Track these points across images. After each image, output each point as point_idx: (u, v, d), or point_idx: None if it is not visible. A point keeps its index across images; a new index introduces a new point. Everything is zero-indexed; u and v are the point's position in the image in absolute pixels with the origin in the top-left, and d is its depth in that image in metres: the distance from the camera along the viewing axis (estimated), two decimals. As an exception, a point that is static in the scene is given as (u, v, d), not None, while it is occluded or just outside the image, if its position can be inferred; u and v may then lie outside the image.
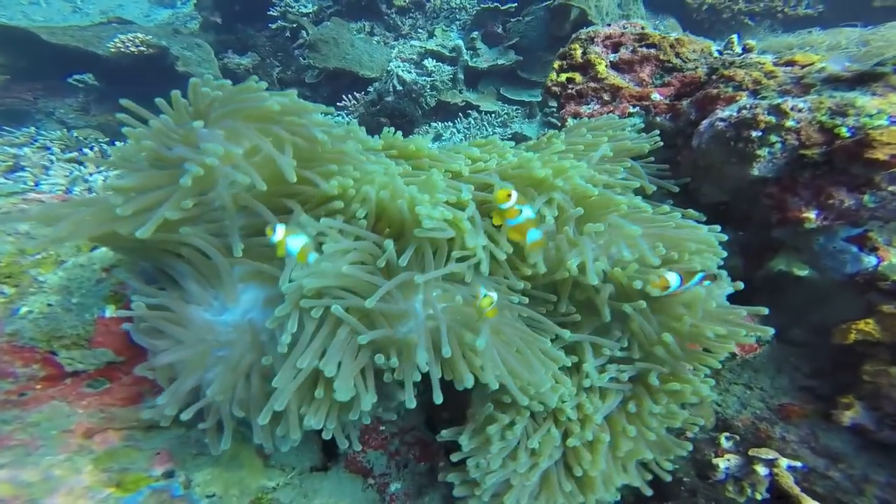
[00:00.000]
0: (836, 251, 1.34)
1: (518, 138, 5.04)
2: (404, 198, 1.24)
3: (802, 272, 1.53)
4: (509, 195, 1.29)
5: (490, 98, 5.35)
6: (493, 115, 5.13)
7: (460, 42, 5.31)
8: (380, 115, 4.79)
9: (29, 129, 4.11)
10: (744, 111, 1.42)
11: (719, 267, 1.44)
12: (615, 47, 2.43)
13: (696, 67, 2.14)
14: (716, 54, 2.17)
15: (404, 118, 4.79)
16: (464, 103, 5.17)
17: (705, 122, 1.71)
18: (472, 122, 5.06)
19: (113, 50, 4.91)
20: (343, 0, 5.84)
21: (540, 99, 5.34)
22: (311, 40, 5.20)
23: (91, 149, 3.77)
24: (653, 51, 2.30)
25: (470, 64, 5.29)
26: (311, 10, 5.76)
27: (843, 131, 1.23)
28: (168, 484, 1.28)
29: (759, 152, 1.39)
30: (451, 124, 4.99)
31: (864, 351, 1.32)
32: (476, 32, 5.57)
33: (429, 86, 4.83)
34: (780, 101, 1.36)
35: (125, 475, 1.24)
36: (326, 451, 1.57)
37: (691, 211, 1.64)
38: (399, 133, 1.71)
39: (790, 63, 1.65)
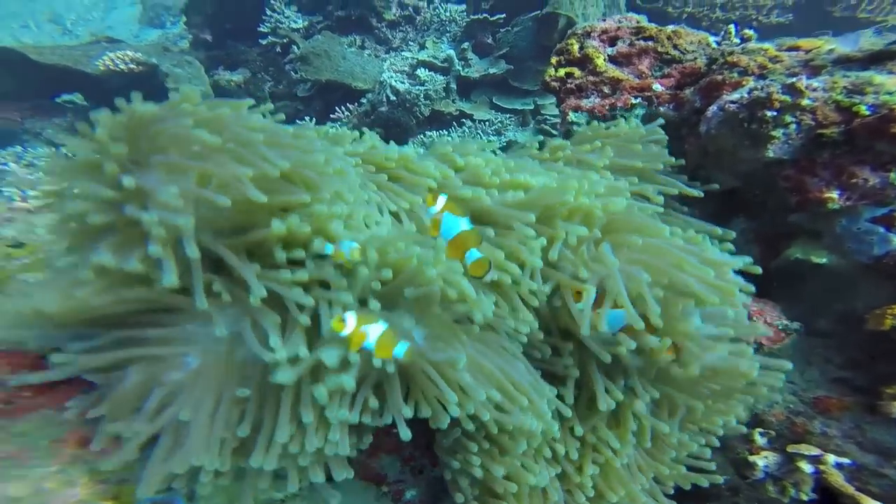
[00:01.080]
0: (860, 233, 1.29)
1: (512, 145, 5.04)
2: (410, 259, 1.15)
3: (821, 259, 1.48)
4: (436, 198, 1.15)
5: (483, 107, 5.35)
6: (486, 123, 5.13)
7: (452, 52, 5.34)
8: (374, 125, 4.76)
9: (15, 147, 4.04)
10: (756, 91, 1.39)
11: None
12: (612, 41, 2.42)
13: (696, 58, 2.12)
14: (714, 45, 2.16)
15: (399, 127, 4.77)
16: (457, 112, 5.17)
17: (713, 107, 1.68)
18: (467, 130, 5.05)
19: (102, 68, 4.89)
20: (333, 15, 5.87)
21: (532, 107, 5.36)
22: (303, 53, 5.20)
23: None
24: (650, 43, 2.29)
25: (462, 74, 5.31)
26: (301, 26, 5.78)
27: (863, 109, 1.20)
28: (170, 497, 1.17)
29: (774, 133, 1.35)
30: (446, 133, 4.98)
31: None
32: (467, 43, 5.60)
33: (422, 95, 4.83)
34: (793, 80, 1.33)
35: (123, 487, 1.14)
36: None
37: (727, 235, 1.54)
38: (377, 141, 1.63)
39: (794, 48, 1.63)
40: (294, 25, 5.66)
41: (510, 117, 5.29)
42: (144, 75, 5.11)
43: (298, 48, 5.61)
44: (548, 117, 5.36)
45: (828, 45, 1.48)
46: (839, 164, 1.27)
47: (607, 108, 2.25)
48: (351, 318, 0.97)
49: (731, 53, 1.78)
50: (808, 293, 1.52)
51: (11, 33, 9.81)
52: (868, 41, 1.31)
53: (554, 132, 5.27)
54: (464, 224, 1.14)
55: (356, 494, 1.49)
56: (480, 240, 1.19)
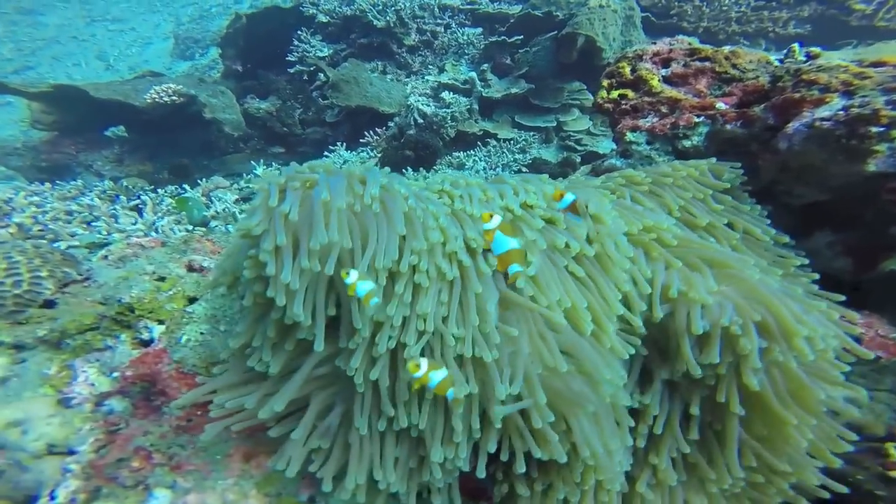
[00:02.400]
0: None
1: (537, 163, 5.09)
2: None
3: (922, 269, 1.49)
4: (491, 216, 1.28)
5: (506, 126, 5.43)
6: (511, 142, 5.20)
7: (473, 74, 5.44)
8: (403, 148, 4.83)
9: (77, 181, 4.17)
10: (855, 109, 1.41)
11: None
12: (665, 63, 2.46)
13: (758, 77, 2.15)
14: (776, 63, 2.20)
15: (427, 150, 4.83)
16: (482, 132, 5.24)
17: (796, 124, 1.70)
18: (492, 149, 5.11)
19: (149, 101, 5.09)
20: (356, 42, 6.02)
21: (554, 124, 5.44)
22: (334, 81, 5.32)
23: (141, 196, 3.84)
24: (707, 63, 2.33)
25: (484, 94, 5.40)
26: (327, 54, 5.92)
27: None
28: None
29: (877, 148, 1.37)
30: (473, 153, 5.04)
31: None
32: (486, 65, 5.72)
33: (449, 117, 4.90)
34: (896, 95, 1.36)
35: (280, 500, 1.21)
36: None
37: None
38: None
39: (879, 63, 1.66)
40: (320, 54, 5.80)
41: (533, 135, 5.36)
42: (184, 105, 5.33)
43: (325, 76, 5.75)
44: (570, 133, 5.43)
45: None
46: (951, 177, 1.28)
47: (668, 126, 2.28)
48: (424, 364, 1.18)
49: (804, 71, 1.81)
50: (912, 304, 1.51)
51: (65, 71, 10.42)
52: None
53: (578, 148, 5.33)
54: (513, 243, 1.26)
55: None
56: (524, 258, 1.31)
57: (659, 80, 2.41)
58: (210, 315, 1.44)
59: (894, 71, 1.50)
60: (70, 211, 3.23)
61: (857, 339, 1.50)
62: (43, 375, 1.40)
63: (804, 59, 2.02)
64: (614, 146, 2.70)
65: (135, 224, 3.14)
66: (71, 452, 1.30)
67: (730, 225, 1.75)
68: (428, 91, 5.51)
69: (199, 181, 4.60)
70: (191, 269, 1.72)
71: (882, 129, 1.35)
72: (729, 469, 1.32)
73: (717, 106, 2.16)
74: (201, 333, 1.41)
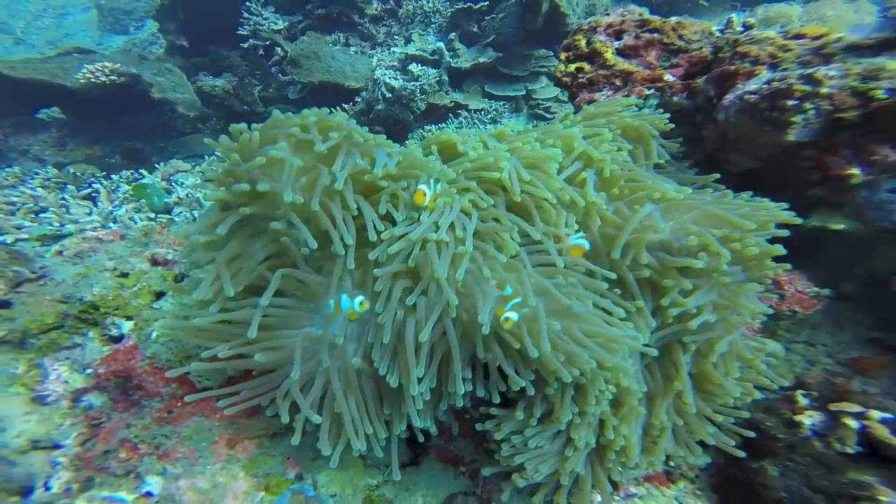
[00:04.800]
0: (881, 202, 1.45)
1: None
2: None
3: (839, 226, 1.65)
4: (425, 194, 1.33)
5: (476, 96, 5.43)
6: (482, 112, 5.21)
7: (441, 44, 5.37)
8: (373, 124, 4.80)
9: (13, 168, 3.98)
10: (775, 83, 1.53)
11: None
12: (618, 35, 2.52)
13: (701, 48, 2.24)
14: (717, 34, 2.29)
15: (398, 124, 4.82)
16: (452, 104, 5.23)
17: (730, 97, 1.82)
18: (463, 121, 5.12)
19: (83, 81, 4.75)
20: (313, 13, 5.82)
21: (524, 93, 5.46)
22: (292, 56, 5.17)
23: (93, 184, 3.69)
24: (656, 35, 2.41)
25: (453, 65, 5.36)
26: (282, 27, 5.72)
27: (880, 93, 1.34)
28: (301, 486, 1.36)
29: (794, 119, 1.50)
30: (444, 125, 5.05)
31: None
32: (453, 34, 5.64)
33: (418, 90, 4.87)
34: (811, 70, 1.47)
35: (269, 479, 1.35)
36: (412, 447, 1.63)
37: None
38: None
39: (800, 35, 1.76)
40: (275, 27, 5.60)
41: (504, 104, 5.38)
42: (126, 84, 5.01)
43: (283, 50, 5.57)
44: (540, 101, 5.46)
45: (835, 34, 1.61)
46: (860, 143, 1.42)
47: (621, 98, 2.37)
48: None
49: (739, 43, 1.91)
50: (829, 259, 1.68)
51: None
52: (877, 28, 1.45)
53: (548, 115, 5.38)
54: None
55: (437, 475, 1.64)
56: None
57: (613, 53, 2.48)
58: (178, 310, 1.49)
59: (811, 43, 1.61)
60: (11, 202, 3.09)
61: (781, 297, 1.67)
62: (11, 375, 1.43)
63: (741, 29, 2.12)
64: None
65: (90, 214, 3.06)
66: (56, 447, 1.35)
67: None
68: (395, 63, 5.43)
69: (156, 165, 4.47)
70: (154, 262, 1.71)
71: (796, 101, 1.47)
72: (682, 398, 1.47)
73: (665, 78, 2.25)
74: (171, 329, 1.45)
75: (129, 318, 1.51)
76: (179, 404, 1.40)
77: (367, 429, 1.32)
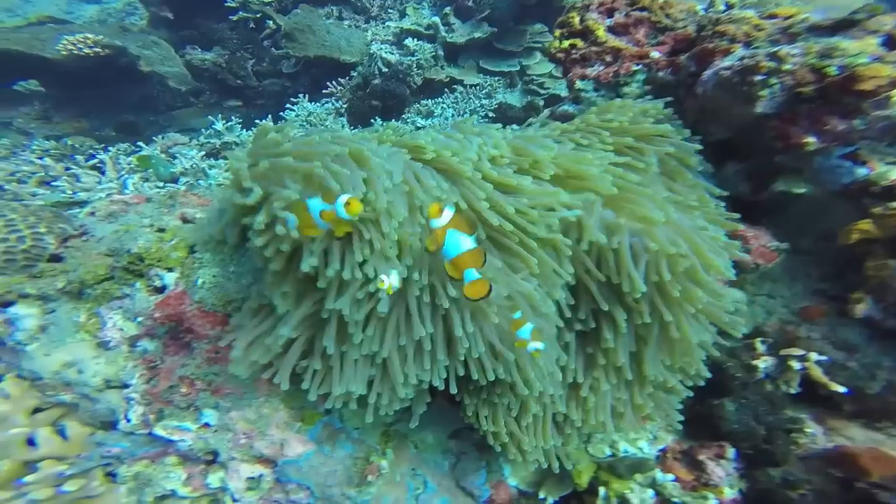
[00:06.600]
0: (832, 167, 1.66)
1: (503, 107, 5.26)
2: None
3: (800, 189, 1.86)
4: (441, 210, 1.12)
5: (472, 71, 5.51)
6: (477, 87, 5.32)
7: (437, 19, 5.42)
8: (370, 98, 4.89)
9: (2, 139, 4.04)
10: (746, 59, 1.71)
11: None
12: (609, 12, 2.67)
13: (686, 26, 2.41)
14: (701, 12, 2.45)
15: (395, 99, 4.92)
16: (448, 79, 5.32)
17: (708, 72, 2.00)
18: (459, 96, 5.23)
19: (64, 53, 4.66)
20: (308, -15, 5.80)
21: (518, 68, 5.55)
22: (287, 30, 5.19)
23: (96, 155, 3.78)
24: (644, 13, 2.56)
25: (448, 40, 5.42)
26: (274, -1, 5.69)
27: (832, 70, 1.53)
28: (331, 418, 1.55)
29: (761, 93, 1.68)
30: (440, 100, 5.15)
31: (864, 250, 1.64)
32: (448, 8, 5.68)
33: (414, 65, 4.96)
34: (776, 49, 1.65)
35: (304, 412, 1.51)
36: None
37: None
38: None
39: (773, 16, 1.94)
40: (266, -1, 5.57)
41: (498, 80, 5.47)
42: (111, 57, 4.94)
43: (275, 23, 5.55)
44: (534, 77, 5.57)
45: (802, 14, 1.79)
46: (815, 115, 1.61)
47: (611, 75, 2.54)
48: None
49: (718, 22, 2.08)
50: (792, 219, 1.90)
51: None
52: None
53: (542, 91, 5.50)
54: (467, 243, 1.11)
55: (444, 413, 1.85)
56: (482, 261, 1.14)
57: (604, 30, 2.63)
58: (219, 259, 1.65)
59: (781, 23, 1.79)
60: (17, 171, 3.18)
61: (747, 251, 1.89)
62: (75, 322, 1.61)
63: (724, 8, 2.28)
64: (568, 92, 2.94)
65: (100, 183, 3.20)
66: (125, 385, 1.57)
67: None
68: (390, 38, 5.48)
69: (153, 138, 4.50)
70: (185, 220, 1.86)
71: (763, 76, 1.65)
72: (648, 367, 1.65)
73: (651, 55, 2.42)
74: (213, 276, 1.63)
75: (169, 269, 1.66)
76: (224, 346, 1.56)
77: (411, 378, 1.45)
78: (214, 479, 1.61)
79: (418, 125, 4.82)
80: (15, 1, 8.88)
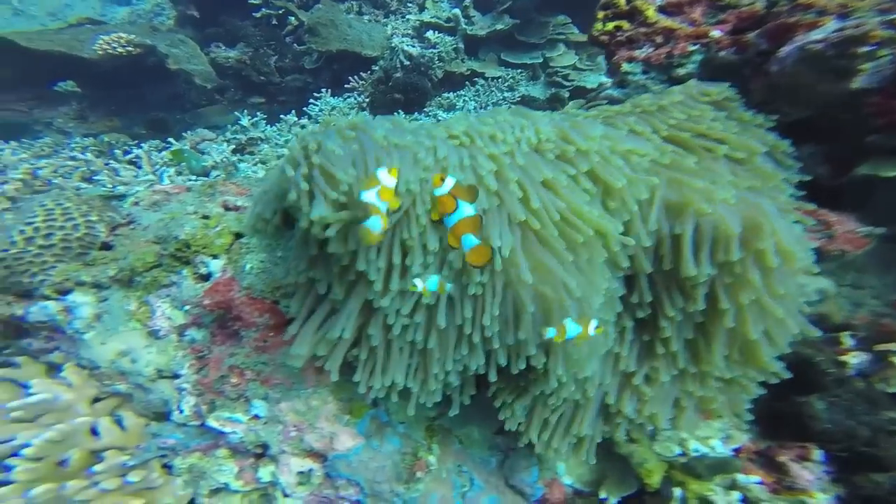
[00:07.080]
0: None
1: (526, 100, 5.12)
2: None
3: (890, 173, 1.70)
4: (443, 178, 1.10)
5: (493, 64, 5.38)
6: (499, 80, 5.18)
7: (457, 10, 5.29)
8: (392, 91, 4.77)
9: (44, 139, 4.07)
10: (848, 30, 1.55)
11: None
12: (661, -8, 2.52)
13: (753, 2, 2.25)
14: (768, -11, 2.28)
15: (417, 92, 4.79)
16: (469, 72, 5.19)
17: (788, 48, 1.84)
18: (481, 88, 5.10)
19: (100, 52, 4.71)
20: (327, -20, 5.70)
21: (541, 60, 5.41)
22: (310, 25, 5.09)
23: (131, 151, 3.77)
24: (702, -9, 2.40)
25: (469, 32, 5.29)
26: (295, -5, 5.60)
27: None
28: (377, 412, 1.45)
29: (863, 66, 1.53)
30: (462, 93, 5.02)
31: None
32: (468, 0, 5.55)
33: (436, 57, 4.83)
34: (892, 16, 1.49)
35: (352, 404, 1.42)
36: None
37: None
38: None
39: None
40: (288, -5, 5.50)
41: (521, 72, 5.34)
42: (142, 56, 4.99)
43: (297, 19, 5.47)
44: (557, 69, 5.42)
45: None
46: (925, 89, 1.46)
47: (663, 56, 2.38)
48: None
49: (795, -5, 1.92)
50: (880, 205, 1.74)
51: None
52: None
53: (566, 83, 5.35)
54: (467, 209, 1.09)
55: (490, 408, 1.72)
56: (479, 227, 1.12)
57: (654, 10, 2.47)
58: (266, 244, 1.57)
59: (889, -7, 1.63)
60: (61, 166, 3.21)
61: (830, 237, 1.73)
62: (127, 311, 1.56)
63: (795, -18, 2.11)
64: (602, 80, 2.78)
65: (137, 177, 3.15)
66: (176, 376, 1.47)
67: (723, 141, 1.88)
68: (410, 31, 5.36)
69: (183, 135, 4.50)
70: (227, 208, 1.80)
71: (872, 47, 1.50)
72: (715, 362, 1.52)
73: (711, 34, 2.26)
74: (261, 262, 1.55)
75: (214, 256, 1.59)
76: (272, 334, 1.48)
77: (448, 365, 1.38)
78: (265, 472, 1.58)
79: (440, 118, 4.70)
80: (57, 6, 9.22)
